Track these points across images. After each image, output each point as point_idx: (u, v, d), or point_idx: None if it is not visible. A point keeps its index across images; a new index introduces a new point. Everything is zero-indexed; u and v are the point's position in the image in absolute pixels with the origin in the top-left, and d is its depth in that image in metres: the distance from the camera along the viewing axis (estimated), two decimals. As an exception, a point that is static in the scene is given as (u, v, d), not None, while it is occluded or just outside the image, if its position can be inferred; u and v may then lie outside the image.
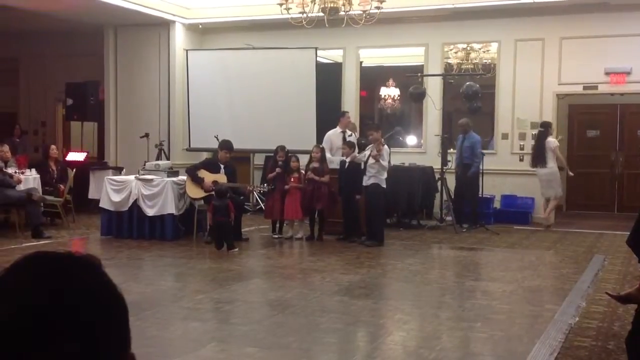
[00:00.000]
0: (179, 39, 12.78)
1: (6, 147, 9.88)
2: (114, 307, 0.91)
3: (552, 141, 10.73)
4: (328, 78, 12.54)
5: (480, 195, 10.89)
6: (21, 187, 9.52)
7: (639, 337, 3.17)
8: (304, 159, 9.90)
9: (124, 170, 11.60)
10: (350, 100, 12.68)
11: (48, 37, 13.92)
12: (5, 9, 11.37)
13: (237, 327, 5.50)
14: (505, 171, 11.41)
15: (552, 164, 10.58)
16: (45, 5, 11.19)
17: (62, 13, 11.70)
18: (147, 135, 12.09)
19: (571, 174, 11.19)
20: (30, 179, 9.88)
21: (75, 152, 12.63)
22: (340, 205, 9.41)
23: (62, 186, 10.42)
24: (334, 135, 10.52)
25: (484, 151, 11.19)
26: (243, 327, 5.47)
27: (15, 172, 9.75)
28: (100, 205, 9.64)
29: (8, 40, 14.23)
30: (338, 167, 9.58)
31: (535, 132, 11.28)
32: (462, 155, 10.89)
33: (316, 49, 11.83)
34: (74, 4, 10.93)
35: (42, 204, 9.67)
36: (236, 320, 5.73)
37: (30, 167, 10.48)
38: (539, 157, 10.62)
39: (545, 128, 10.74)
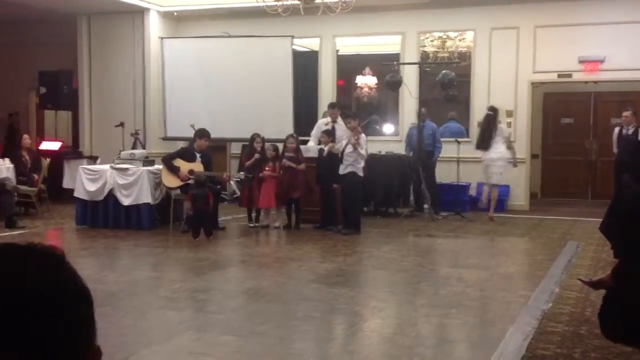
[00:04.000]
0: (154, 26, 12.65)
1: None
2: (75, 302, 0.90)
3: (505, 129, 10.74)
4: (304, 66, 12.51)
5: (456, 183, 10.98)
6: (-6, 176, 9.40)
7: (610, 309, 3.23)
8: (279, 147, 9.88)
9: (99, 159, 11.49)
10: (327, 89, 12.67)
11: (20, 24, 13.69)
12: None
13: (213, 315, 5.50)
14: (477, 159, 11.50)
15: (502, 149, 10.40)
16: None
17: (35, 1, 11.53)
18: (122, 124, 11.98)
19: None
20: (3, 169, 9.76)
21: (49, 141, 12.49)
22: (317, 194, 9.42)
23: (36, 176, 10.31)
24: (323, 125, 10.33)
25: (448, 139, 11.38)
26: (219, 316, 5.47)
27: (-12, 162, 9.62)
28: (75, 194, 9.55)
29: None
30: (315, 155, 9.58)
31: (508, 120, 11.39)
32: (424, 142, 10.89)
33: (292, 37, 11.79)
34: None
35: (15, 194, 9.55)
36: (212, 308, 5.73)
37: (2, 157, 10.33)
38: (486, 140, 10.44)
39: (494, 112, 10.57)
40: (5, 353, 0.81)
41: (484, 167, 10.53)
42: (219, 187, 9.75)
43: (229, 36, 12.34)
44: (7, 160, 10.12)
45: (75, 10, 12.44)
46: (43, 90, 12.69)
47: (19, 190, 9.73)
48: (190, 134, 10.02)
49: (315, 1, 10.43)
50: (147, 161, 9.74)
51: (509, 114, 11.53)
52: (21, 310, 0.83)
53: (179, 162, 9.16)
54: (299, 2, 11.07)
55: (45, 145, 12.16)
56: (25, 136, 10.93)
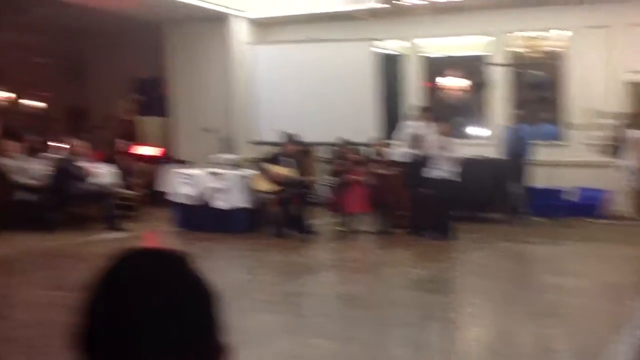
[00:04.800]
0: (238, 32, 12.91)
1: (80, 142, 10.23)
2: (204, 298, 0.97)
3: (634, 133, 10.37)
4: (389, 69, 12.48)
5: (549, 187, 10.67)
6: (97, 180, 9.83)
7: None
8: (367, 152, 9.90)
9: (192, 164, 11.83)
10: (412, 91, 12.59)
11: (114, 33, 14.27)
12: (64, 5, 11.71)
13: (308, 319, 5.59)
14: (574, 162, 11.12)
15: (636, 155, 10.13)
16: (103, 2, 11.43)
17: (123, 10, 11.95)
18: (211, 129, 12.29)
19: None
20: (104, 173, 10.20)
21: (144, 146, 12.96)
22: (407, 199, 9.37)
23: (134, 180, 10.73)
24: (417, 128, 10.19)
25: (542, 142, 11.04)
26: (314, 319, 5.56)
27: (89, 167, 10.08)
28: (171, 199, 9.88)
29: (77, 37, 14.68)
30: (404, 160, 9.53)
31: (607, 122, 10.97)
32: (518, 145, 10.66)
33: (377, 40, 11.80)
34: (135, 1, 11.14)
35: (116, 198, 9.98)
36: (307, 312, 5.82)
37: (104, 162, 10.82)
38: (620, 148, 10.17)
39: (628, 119, 10.29)
40: (169, 333, 0.89)
41: (619, 173, 10.25)
42: (307, 191, 9.87)
43: (312, 41, 12.47)
44: (107, 165, 10.57)
45: (161, 19, 12.83)
46: (137, 97, 13.19)
47: (119, 194, 10.16)
48: (279, 138, 10.18)
49: (401, 3, 10.42)
50: (239, 165, 9.97)
51: (603, 115, 11.10)
52: (161, 312, 0.91)
53: (269, 167, 9.33)
54: (384, 5, 11.10)
55: (141, 151, 12.64)
56: (122, 142, 11.39)
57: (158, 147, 13.51)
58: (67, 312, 3.86)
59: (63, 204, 9.74)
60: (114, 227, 9.58)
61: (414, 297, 6.09)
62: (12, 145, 9.88)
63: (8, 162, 9.58)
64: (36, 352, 4.65)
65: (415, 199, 9.31)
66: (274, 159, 9.53)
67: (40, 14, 13.08)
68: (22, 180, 9.55)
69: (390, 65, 12.62)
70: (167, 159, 12.74)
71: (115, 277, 0.98)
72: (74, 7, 11.87)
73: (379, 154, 9.40)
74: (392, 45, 13.05)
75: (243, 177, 9.59)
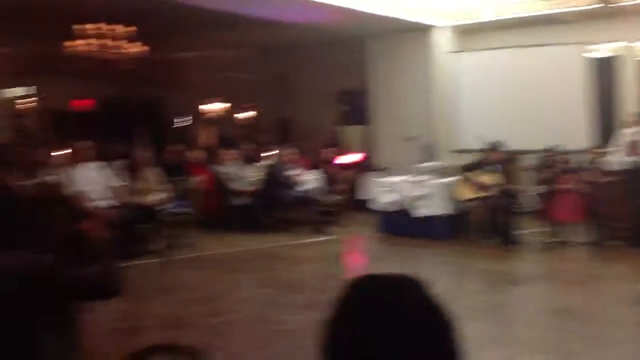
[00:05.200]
0: (440, 41, 12.81)
1: (288, 151, 10.75)
2: (443, 326, 0.92)
3: None
4: (603, 74, 11.68)
5: None
6: (302, 187, 10.28)
7: None
8: (578, 159, 9.33)
9: (393, 171, 11.93)
10: (629, 97, 11.66)
11: (319, 48, 14.86)
12: (279, 23, 12.42)
13: (517, 331, 5.37)
14: None
15: None
16: (309, 18, 11.91)
17: (326, 25, 12.38)
18: (413, 137, 12.33)
19: None
20: (311, 180, 10.64)
21: (347, 154, 13.31)
22: (626, 209, 8.66)
23: (337, 187, 11.07)
24: (635, 135, 9.46)
25: None
26: (524, 332, 5.32)
27: (297, 174, 10.56)
28: (371, 206, 10.03)
29: (285, 52, 15.49)
30: (624, 168, 8.83)
31: None
32: None
33: (589, 43, 11.09)
34: (335, 16, 11.47)
35: (321, 203, 10.35)
36: (518, 324, 5.60)
37: (308, 170, 11.30)
38: None
39: None
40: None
41: None
42: (513, 199, 9.51)
43: (517, 46, 12.03)
44: (312, 173, 11.01)
45: (363, 32, 13.12)
46: (343, 107, 13.62)
47: (324, 200, 10.53)
48: (483, 145, 9.94)
49: (618, 4, 9.69)
50: (441, 173, 9.89)
51: None
52: (398, 343, 0.86)
53: (473, 174, 9.14)
54: (596, 6, 10.40)
55: (343, 159, 12.99)
56: (327, 150, 11.79)
57: (360, 155, 13.81)
58: (277, 310, 4.03)
59: (273, 208, 10.30)
60: (319, 231, 9.94)
61: (635, 313, 5.60)
62: (228, 153, 10.64)
63: (225, 169, 10.33)
64: (254, 346, 4.93)
65: (636, 209, 8.59)
66: (477, 167, 9.33)
67: (252, 32, 14.02)
68: (237, 186, 10.25)
69: (604, 70, 11.83)
70: (368, 167, 12.99)
71: (350, 304, 0.96)
72: (283, 25, 12.57)
73: (593, 161, 8.82)
74: (605, 49, 12.21)
75: (445, 184, 9.49)
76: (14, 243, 3.12)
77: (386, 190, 9.84)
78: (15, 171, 8.15)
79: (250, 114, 18.49)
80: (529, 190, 10.03)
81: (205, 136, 18.98)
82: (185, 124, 19.88)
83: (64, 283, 3.10)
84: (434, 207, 9.38)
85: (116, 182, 8.82)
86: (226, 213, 10.44)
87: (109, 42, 12.23)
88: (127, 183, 8.68)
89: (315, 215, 10.17)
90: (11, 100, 18.04)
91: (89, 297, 3.44)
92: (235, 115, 17.92)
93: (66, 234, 3.37)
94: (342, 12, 10.93)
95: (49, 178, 8.74)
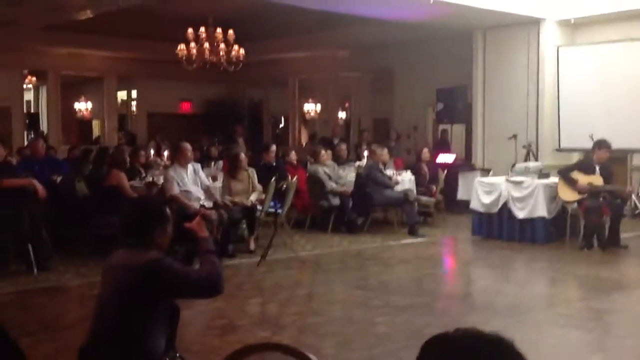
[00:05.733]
0: (549, 36, 12.37)
1: (385, 150, 10.70)
2: None
3: None
4: None
5: None
6: (398, 187, 10.21)
7: None
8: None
9: (492, 171, 11.66)
10: None
11: (418, 45, 14.72)
12: (378, 21, 12.40)
13: (622, 339, 5.11)
14: None
15: None
16: (415, 15, 11.80)
17: (431, 21, 12.23)
18: (514, 136, 11.99)
19: None
20: (405, 180, 10.56)
21: (445, 154, 13.12)
22: None
23: (434, 187, 10.93)
24: None
25: None
26: (630, 341, 5.06)
27: (393, 174, 10.51)
28: (471, 206, 9.84)
29: (384, 51, 15.45)
30: None
31: None
32: None
33: None
34: (444, 11, 11.32)
35: (416, 204, 10.25)
36: (621, 332, 5.33)
37: (405, 169, 11.21)
38: None
39: None
40: None
41: None
42: (619, 201, 9.06)
43: (632, 40, 11.44)
44: (408, 173, 10.93)
45: (470, 27, 12.86)
46: (440, 106, 13.43)
47: (419, 201, 10.42)
48: (587, 145, 9.53)
49: None
50: (542, 174, 9.56)
51: None
52: None
53: (576, 175, 8.79)
54: None
55: (441, 158, 12.82)
56: (425, 150, 11.66)
57: (458, 154, 13.58)
58: (370, 312, 4.02)
59: (368, 209, 10.29)
60: (413, 233, 9.84)
61: None
62: (324, 153, 10.72)
63: (321, 169, 10.42)
64: (346, 348, 4.95)
65: None
66: (581, 167, 8.95)
67: (351, 31, 14.08)
68: (333, 186, 10.31)
69: None
70: (468, 167, 12.75)
71: None
72: (383, 23, 12.55)
73: None
74: None
75: (546, 185, 9.17)
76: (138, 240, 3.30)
77: (486, 191, 9.62)
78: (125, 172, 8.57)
79: (347, 113, 18.57)
80: (636, 191, 9.54)
81: (303, 136, 19.24)
82: (283, 124, 20.24)
83: (175, 280, 3.25)
84: (533, 209, 9.09)
85: (215, 183, 9.08)
86: (321, 213, 10.53)
87: (214, 45, 12.60)
88: (226, 183, 8.91)
89: (411, 216, 10.08)
90: (119, 104, 18.97)
91: (193, 294, 3.57)
92: (332, 115, 18.05)
93: (174, 233, 3.51)
94: (449, 7, 10.79)
95: (154, 178, 9.12)
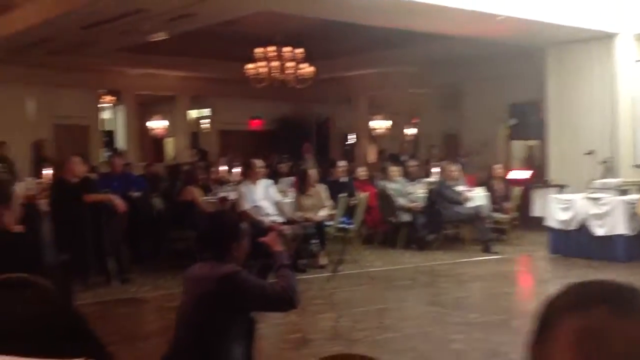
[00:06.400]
0: (624, 50, 11.99)
1: (455, 167, 10.57)
2: None
3: None
4: None
5: None
6: (470, 204, 10.05)
7: None
8: None
9: (568, 188, 11.33)
10: None
11: (488, 60, 14.52)
12: (449, 37, 12.30)
13: None
14: None
15: None
16: (484, 31, 11.68)
17: (501, 37, 12.06)
18: (591, 152, 11.62)
19: None
20: (477, 197, 10.38)
21: (518, 170, 12.86)
22: None
23: (507, 204, 10.70)
24: None
25: None
26: None
27: (465, 191, 10.35)
28: (546, 223, 9.58)
29: (452, 67, 15.29)
30: None
31: None
32: None
33: None
34: (513, 27, 11.16)
35: (489, 221, 10.07)
36: None
37: (477, 186, 11.03)
38: None
39: None
40: None
41: None
42: None
43: None
44: (480, 189, 10.74)
45: (542, 42, 12.61)
46: (512, 121, 13.19)
47: (492, 218, 10.23)
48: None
49: None
50: (621, 190, 9.24)
51: None
52: None
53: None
54: None
55: (514, 175, 12.56)
56: (497, 166, 11.45)
57: (531, 170, 13.27)
58: (444, 329, 3.94)
59: (438, 225, 10.16)
60: (487, 250, 9.66)
61: None
62: (394, 169, 10.68)
63: (391, 185, 10.37)
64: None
65: None
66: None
67: (419, 48, 14.03)
68: (402, 202, 10.24)
69: None
70: (542, 183, 12.43)
71: None
72: (452, 39, 12.45)
73: None
74: None
75: (626, 202, 8.85)
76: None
77: (562, 208, 9.36)
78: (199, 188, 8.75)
79: (416, 129, 18.45)
80: None
81: (372, 152, 19.21)
82: (352, 141, 20.27)
83: (251, 293, 3.28)
84: (613, 226, 8.78)
85: (286, 198, 9.16)
86: (391, 229, 10.47)
87: (283, 64, 12.78)
88: (296, 199, 8.98)
89: (483, 232, 9.90)
90: (191, 122, 19.43)
91: (268, 308, 3.60)
92: (401, 131, 17.97)
93: (249, 247, 3.56)
94: (518, 23, 10.63)
95: (226, 194, 9.29)
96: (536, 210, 11.46)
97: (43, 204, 7.43)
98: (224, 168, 13.30)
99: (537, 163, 13.93)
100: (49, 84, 15.48)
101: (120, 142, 18.42)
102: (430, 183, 11.06)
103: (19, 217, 2.87)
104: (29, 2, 11.01)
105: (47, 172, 9.36)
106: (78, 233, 7.20)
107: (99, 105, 17.88)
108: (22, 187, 8.37)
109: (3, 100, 14.69)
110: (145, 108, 18.82)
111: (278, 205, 8.53)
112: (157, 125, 18.86)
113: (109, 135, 19.43)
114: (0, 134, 13.23)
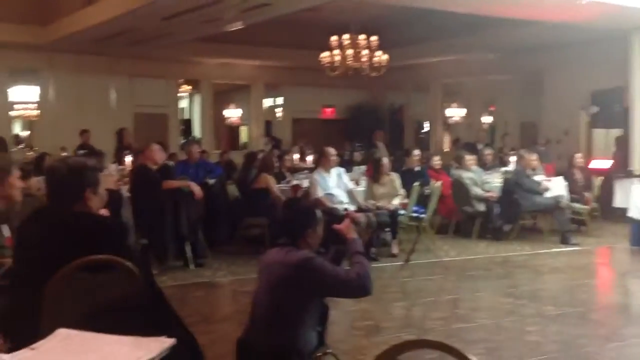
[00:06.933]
0: None
1: (534, 156, 10.30)
2: None
3: None
4: None
5: None
6: (548, 194, 9.79)
7: None
8: None
9: (652, 178, 10.87)
10: None
11: (570, 46, 14.06)
12: (530, 23, 11.96)
13: None
14: None
15: None
16: (567, 16, 11.31)
17: (584, 21, 11.65)
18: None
19: None
20: (556, 187, 10.09)
21: (599, 159, 12.43)
22: None
23: (587, 194, 10.38)
24: None
25: None
26: None
27: (543, 180, 10.08)
28: (629, 214, 9.24)
29: (532, 53, 14.89)
30: None
31: None
32: None
33: None
34: (596, 12, 10.76)
35: (569, 211, 9.79)
36: None
37: (556, 175, 10.72)
38: None
39: None
40: None
41: None
42: None
43: None
44: (559, 179, 10.44)
45: (626, 27, 12.10)
46: (594, 109, 12.74)
47: (571, 208, 9.94)
48: None
49: None
50: None
51: None
52: None
53: None
54: None
55: (595, 164, 12.15)
56: (577, 155, 11.11)
57: (614, 160, 12.80)
58: (520, 321, 3.89)
59: (515, 215, 9.94)
60: (565, 241, 9.40)
61: None
62: (469, 158, 10.51)
63: (466, 174, 10.22)
64: (496, 355, 4.82)
65: None
66: None
67: (497, 34, 13.71)
68: (478, 191, 10.07)
69: None
70: (625, 173, 11.97)
71: None
72: (535, 24, 12.11)
73: None
74: None
75: None
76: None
77: (644, 199, 9.00)
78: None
79: (492, 117, 18.09)
80: None
81: (446, 141, 18.97)
82: (426, 129, 20.07)
83: (326, 278, 3.34)
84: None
85: (358, 187, 9.17)
86: (465, 219, 10.33)
87: (357, 52, 12.75)
88: (369, 187, 8.98)
89: (563, 223, 9.63)
90: (265, 110, 19.66)
91: (342, 294, 3.64)
92: (476, 119, 17.65)
93: (324, 235, 3.62)
94: (602, 7, 10.26)
95: (299, 182, 9.38)
96: (618, 201, 11.04)
97: (124, 190, 7.70)
98: (296, 156, 13.43)
99: (620, 152, 13.42)
100: (130, 74, 16.00)
101: (196, 130, 18.85)
102: (507, 172, 10.83)
103: (105, 202, 3.00)
104: (112, -7, 11.39)
105: (129, 159, 9.70)
106: (157, 218, 7.43)
107: (178, 95, 18.35)
108: (112, 172, 8.69)
109: (87, 90, 15.28)
110: (220, 96, 19.17)
111: (350, 193, 8.55)
112: (232, 113, 19.18)
113: (186, 123, 19.91)
114: (84, 122, 13.76)
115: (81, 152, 11.15)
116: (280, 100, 20.09)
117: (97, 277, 2.56)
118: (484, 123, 17.99)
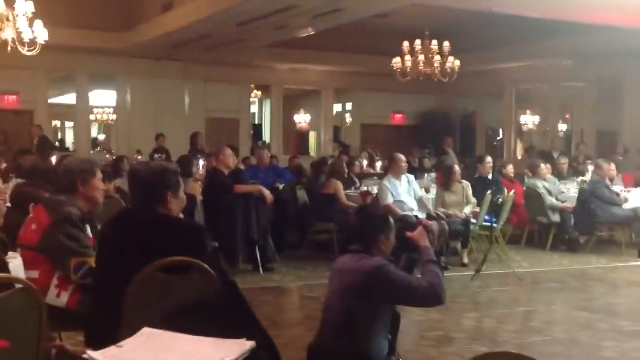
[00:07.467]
0: None
1: (612, 165, 9.95)
2: None
3: None
4: None
5: None
6: (627, 205, 9.43)
7: None
8: None
9: None
10: None
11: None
12: (606, 28, 11.59)
13: None
14: None
15: None
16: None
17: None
18: None
19: None
20: (635, 198, 9.71)
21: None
22: None
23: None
24: None
25: None
26: None
27: (621, 191, 9.73)
28: None
29: (611, 59, 14.41)
30: None
31: None
32: None
33: None
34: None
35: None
36: None
37: (635, 186, 10.33)
38: None
39: None
40: None
41: None
42: None
43: None
44: (638, 189, 10.05)
45: None
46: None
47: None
48: None
49: None
50: None
51: None
52: None
53: None
54: None
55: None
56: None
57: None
58: (595, 336, 3.75)
59: (590, 226, 9.62)
60: (645, 255, 9.05)
61: None
62: (543, 167, 10.24)
63: (540, 183, 9.96)
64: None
65: None
66: None
67: (573, 39, 13.34)
68: (553, 201, 9.80)
69: None
70: None
71: None
72: (614, 29, 11.74)
73: None
74: None
75: None
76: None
77: None
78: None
79: (566, 125, 17.60)
80: None
81: (519, 148, 18.56)
82: (499, 136, 19.69)
83: (398, 286, 3.31)
84: None
85: (428, 194, 9.07)
86: (538, 229, 10.07)
87: (429, 58, 12.64)
88: (439, 195, 8.86)
89: (641, 235, 9.27)
90: (334, 115, 19.71)
91: (414, 302, 3.61)
92: (551, 127, 17.21)
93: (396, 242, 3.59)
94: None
95: (369, 188, 9.35)
96: None
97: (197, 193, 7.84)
98: (365, 162, 13.40)
99: None
100: (203, 79, 16.35)
101: (266, 134, 19.07)
102: (584, 181, 10.49)
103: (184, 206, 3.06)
104: (190, 0, 11.67)
105: (201, 163, 9.89)
106: (228, 222, 7.54)
107: (250, 100, 18.62)
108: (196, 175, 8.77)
109: (162, 95, 15.69)
110: (289, 102, 19.34)
111: (420, 200, 8.46)
112: (302, 119, 19.32)
113: (255, 128, 20.17)
114: (159, 127, 14.13)
115: (156, 155, 11.44)
116: (349, 105, 20.11)
117: (175, 279, 2.61)
118: (559, 131, 17.53)
